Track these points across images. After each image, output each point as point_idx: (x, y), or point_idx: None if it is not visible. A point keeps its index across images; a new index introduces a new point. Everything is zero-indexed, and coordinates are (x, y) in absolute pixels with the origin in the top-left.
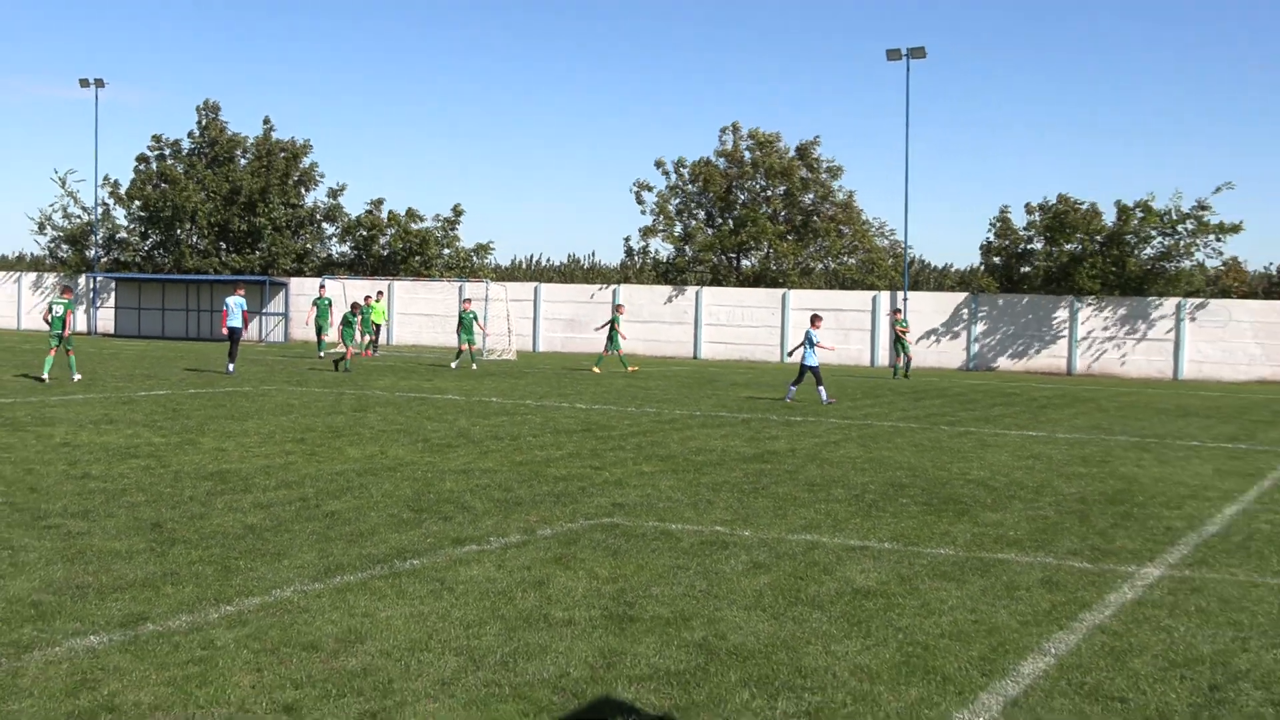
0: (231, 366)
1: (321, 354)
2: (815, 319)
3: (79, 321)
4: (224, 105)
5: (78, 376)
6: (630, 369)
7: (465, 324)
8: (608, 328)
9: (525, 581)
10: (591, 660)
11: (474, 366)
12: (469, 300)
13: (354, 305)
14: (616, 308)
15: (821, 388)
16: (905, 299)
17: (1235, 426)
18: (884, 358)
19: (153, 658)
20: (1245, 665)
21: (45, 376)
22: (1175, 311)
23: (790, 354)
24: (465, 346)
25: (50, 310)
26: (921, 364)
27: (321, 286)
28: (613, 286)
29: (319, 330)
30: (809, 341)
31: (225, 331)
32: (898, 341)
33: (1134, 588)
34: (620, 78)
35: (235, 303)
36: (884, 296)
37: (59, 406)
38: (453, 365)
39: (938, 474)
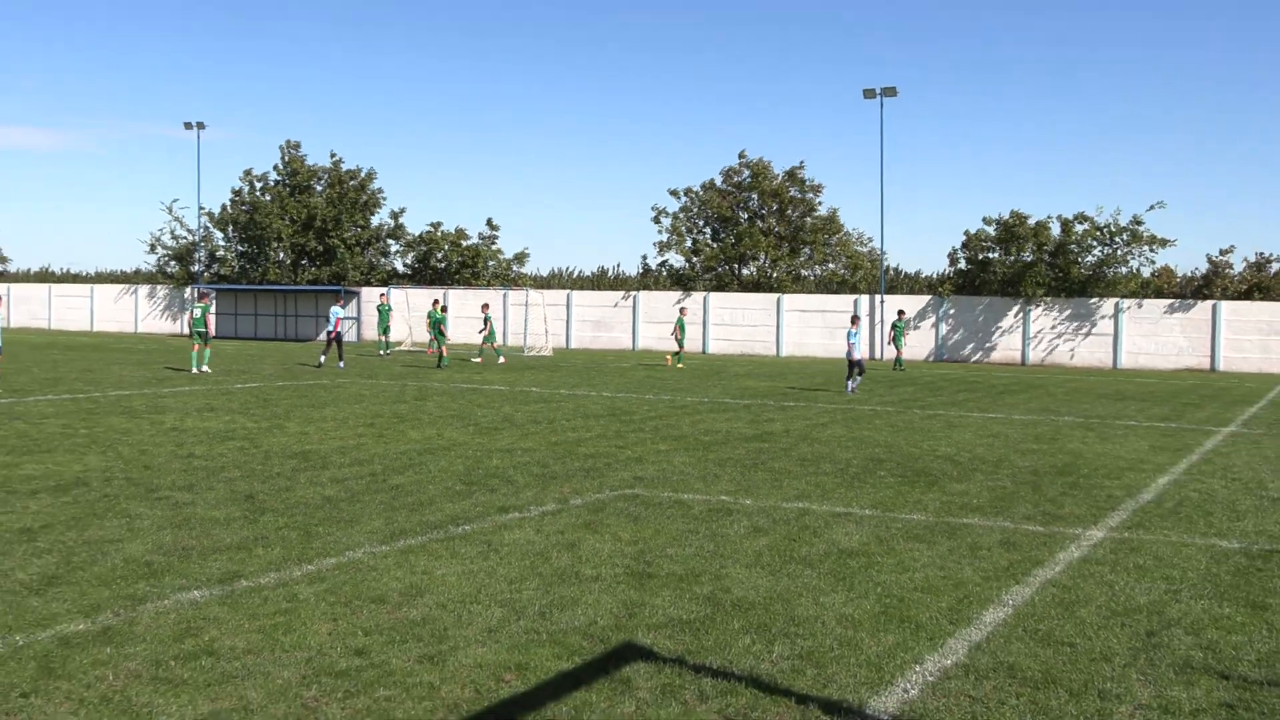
0: (341, 363)
1: (382, 352)
2: (854, 319)
3: (193, 323)
4: (301, 140)
5: (207, 369)
6: (679, 365)
7: (434, 322)
8: (676, 328)
9: (559, 544)
10: (616, 611)
11: (387, 354)
12: (384, 294)
13: (442, 308)
14: (681, 310)
15: (851, 380)
16: (882, 301)
17: (1166, 408)
18: (866, 352)
19: (245, 609)
20: (1177, 614)
21: (194, 369)
22: (1113, 311)
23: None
24: (440, 348)
25: (192, 314)
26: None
27: (382, 295)
28: (633, 293)
29: (382, 332)
30: (849, 338)
31: (332, 335)
32: (898, 338)
33: (1080, 548)
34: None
35: (336, 311)
36: (865, 300)
37: (169, 397)
38: (440, 365)
39: (910, 450)
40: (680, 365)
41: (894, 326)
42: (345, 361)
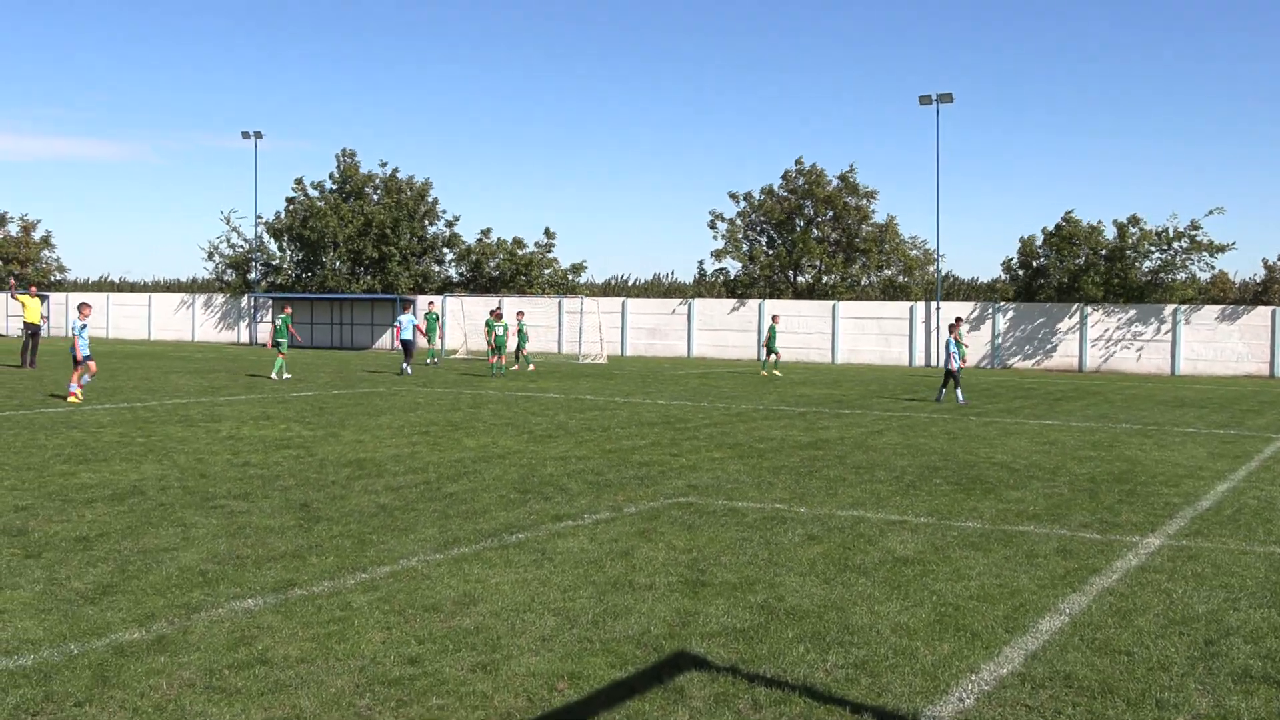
0: (408, 368)
1: (430, 360)
2: (952, 326)
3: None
4: (357, 150)
5: (287, 376)
6: (775, 372)
7: (430, 325)
8: (769, 337)
9: (613, 552)
10: (669, 619)
11: (436, 361)
12: (433, 302)
13: (498, 316)
14: (774, 318)
15: (959, 389)
16: (938, 308)
17: (1225, 415)
18: (920, 360)
19: (299, 617)
20: (1236, 623)
21: (274, 376)
22: (1171, 316)
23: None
24: (499, 356)
25: (274, 324)
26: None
27: (430, 303)
28: (688, 300)
29: (428, 340)
30: (948, 347)
31: (400, 343)
32: (771, 343)
33: (1138, 556)
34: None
35: (406, 320)
36: (919, 306)
37: (225, 405)
38: (430, 361)
39: (966, 458)
40: (778, 374)
41: (770, 332)
42: (408, 368)
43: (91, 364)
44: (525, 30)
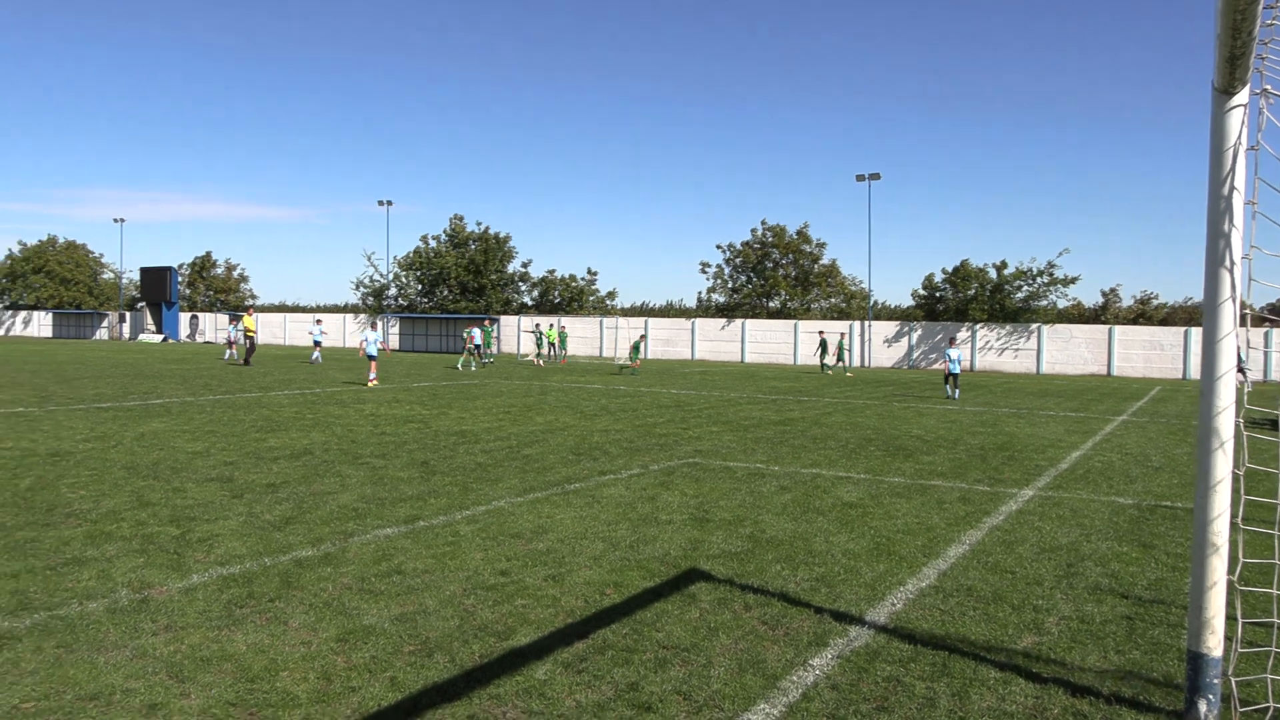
0: (473, 367)
1: (484, 361)
2: (951, 341)
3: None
4: (460, 210)
5: (474, 369)
6: (849, 374)
7: (560, 338)
8: (837, 349)
9: (643, 497)
10: (683, 545)
11: (488, 363)
12: (553, 323)
13: (555, 327)
14: (841, 335)
15: (953, 387)
16: (870, 326)
17: (1076, 403)
18: (857, 361)
19: (423, 541)
20: (1089, 551)
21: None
22: (1036, 332)
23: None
24: (562, 357)
25: (473, 337)
26: (880, 364)
27: (486, 320)
28: (692, 320)
29: (486, 346)
30: (951, 357)
31: (470, 348)
32: (840, 353)
33: (1017, 502)
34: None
35: (472, 331)
36: (857, 324)
37: (368, 392)
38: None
39: (892, 432)
40: (849, 374)
41: (839, 345)
42: (476, 366)
43: (374, 363)
44: (566, 134)
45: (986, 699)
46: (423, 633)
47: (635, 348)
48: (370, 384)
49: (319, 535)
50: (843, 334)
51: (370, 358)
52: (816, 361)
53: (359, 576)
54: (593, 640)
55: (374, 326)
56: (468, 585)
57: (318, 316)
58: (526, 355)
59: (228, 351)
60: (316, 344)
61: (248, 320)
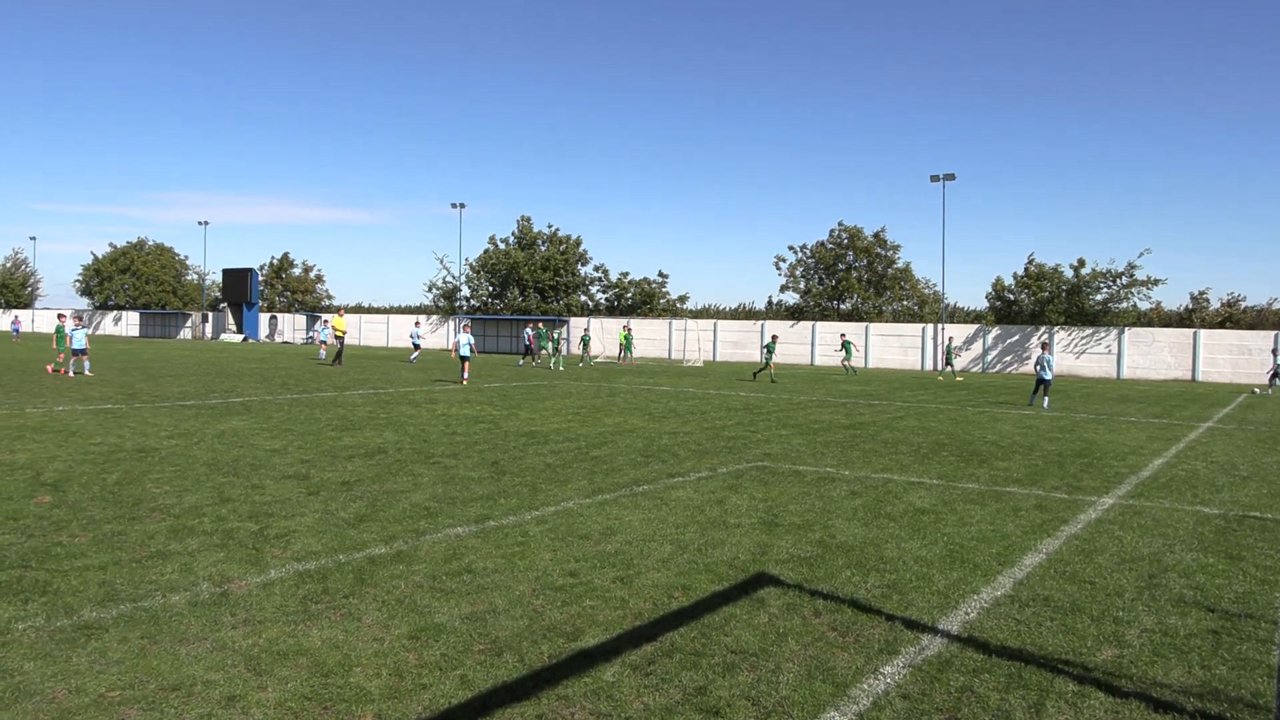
0: (521, 363)
1: (535, 363)
2: (1044, 345)
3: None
4: (529, 213)
5: (561, 369)
6: (958, 378)
7: (540, 338)
8: (946, 353)
9: (711, 500)
10: (752, 549)
11: (538, 364)
12: (540, 323)
13: (625, 328)
14: (950, 339)
15: (1045, 396)
16: (943, 329)
17: (1158, 408)
18: (929, 365)
19: (493, 541)
20: (1172, 562)
21: (552, 366)
22: (1117, 334)
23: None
24: (544, 353)
25: (537, 336)
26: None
27: (537, 323)
28: (761, 322)
29: (540, 349)
30: (1040, 362)
31: (525, 346)
32: (949, 357)
33: (1096, 511)
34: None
35: (527, 332)
36: (929, 327)
37: (439, 392)
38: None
39: (966, 437)
40: (959, 379)
41: (947, 349)
42: (539, 364)
43: (467, 363)
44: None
45: (1063, 712)
46: (492, 632)
47: (626, 341)
48: (463, 383)
49: (392, 533)
50: (950, 338)
51: (463, 358)
52: (840, 364)
53: (430, 575)
54: (661, 643)
55: (466, 329)
56: (537, 585)
57: (417, 319)
58: (594, 357)
59: (321, 351)
60: (416, 346)
61: (337, 321)
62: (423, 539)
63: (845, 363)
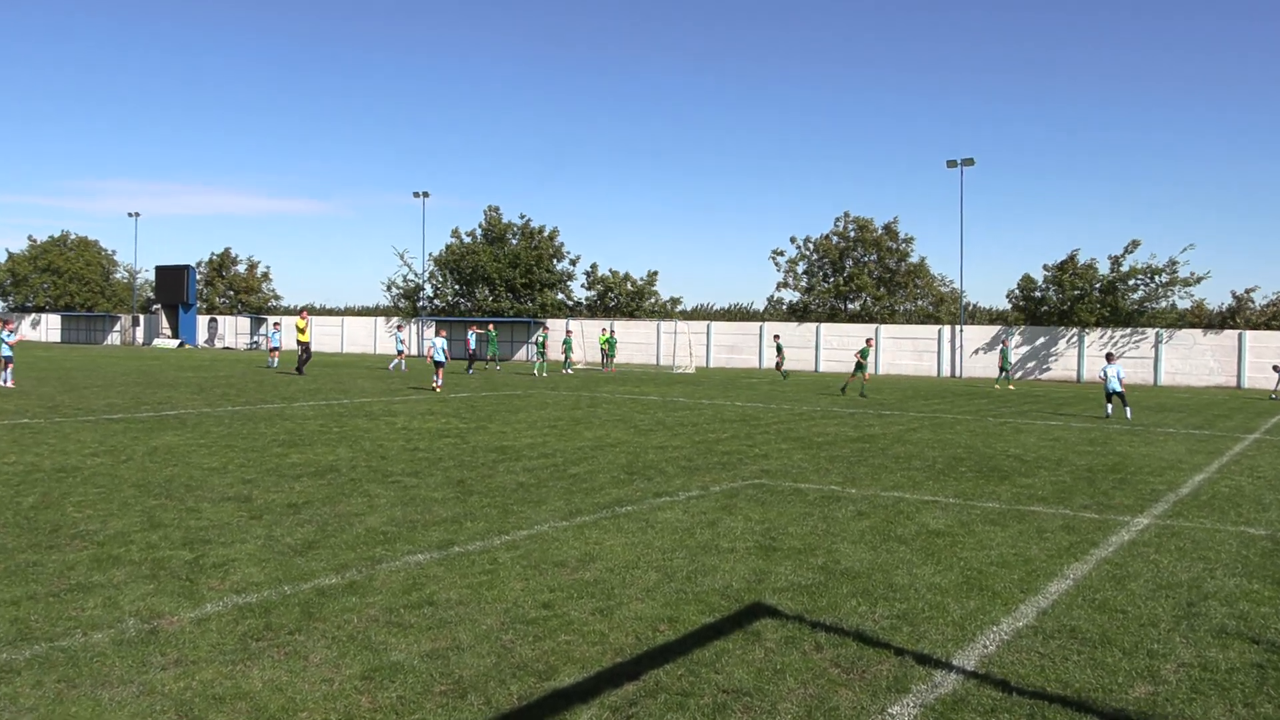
0: (471, 371)
1: (476, 372)
2: (1110, 356)
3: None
4: (499, 204)
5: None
6: (1010, 385)
7: (490, 342)
8: (1001, 359)
9: (702, 522)
10: (747, 577)
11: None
12: (490, 325)
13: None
14: (1004, 343)
15: (1125, 406)
16: (961, 331)
17: (1200, 418)
18: (946, 371)
19: (458, 569)
20: (1213, 588)
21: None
22: (1154, 338)
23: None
24: (610, 365)
25: (486, 340)
26: (971, 373)
27: (488, 325)
28: (760, 323)
29: (492, 356)
30: (1108, 374)
31: (468, 352)
32: (1005, 362)
33: (1129, 532)
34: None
35: (469, 335)
36: (945, 329)
37: (399, 403)
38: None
39: (986, 450)
40: (1011, 387)
41: (1002, 354)
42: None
43: (441, 369)
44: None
45: None
46: (455, 671)
47: (567, 347)
48: (435, 389)
49: (344, 561)
50: (1005, 341)
51: (438, 363)
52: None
53: (387, 608)
54: (644, 682)
55: (439, 332)
56: (506, 619)
57: (399, 323)
58: (575, 364)
59: (272, 359)
60: (400, 352)
61: (300, 324)
62: (378, 567)
63: (779, 365)
